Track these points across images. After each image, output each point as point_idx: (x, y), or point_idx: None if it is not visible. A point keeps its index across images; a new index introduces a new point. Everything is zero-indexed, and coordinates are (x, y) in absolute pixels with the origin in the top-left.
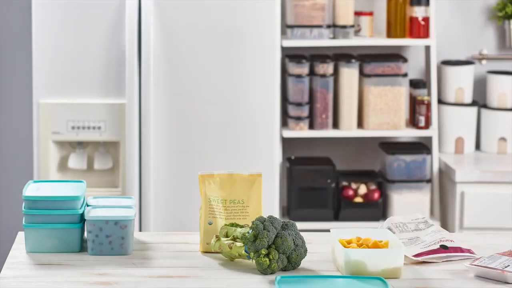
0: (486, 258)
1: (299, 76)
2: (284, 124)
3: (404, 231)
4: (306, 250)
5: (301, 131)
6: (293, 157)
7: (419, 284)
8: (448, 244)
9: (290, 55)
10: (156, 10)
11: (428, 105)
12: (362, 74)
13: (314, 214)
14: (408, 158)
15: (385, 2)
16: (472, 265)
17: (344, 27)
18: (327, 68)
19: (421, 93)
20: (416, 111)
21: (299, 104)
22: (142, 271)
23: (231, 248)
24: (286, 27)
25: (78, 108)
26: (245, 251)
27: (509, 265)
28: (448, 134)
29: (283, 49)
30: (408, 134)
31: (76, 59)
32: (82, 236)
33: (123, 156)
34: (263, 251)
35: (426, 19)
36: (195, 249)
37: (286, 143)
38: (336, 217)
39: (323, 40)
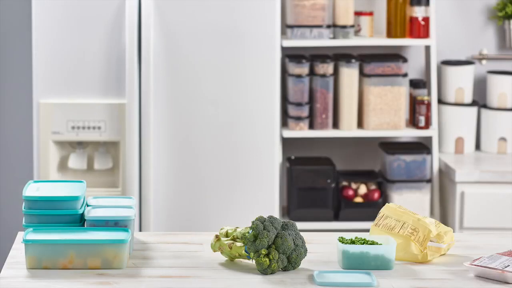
0: (486, 258)
1: (299, 76)
2: (284, 124)
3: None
4: (306, 250)
5: (301, 131)
6: (293, 157)
7: (419, 284)
8: None
9: (290, 55)
10: (156, 10)
11: (428, 105)
12: (362, 74)
13: (314, 214)
14: (408, 158)
15: (385, 2)
16: (472, 265)
17: (344, 27)
18: (327, 68)
19: (421, 93)
20: (416, 111)
21: (299, 104)
22: (142, 271)
23: (231, 248)
24: (286, 27)
25: (78, 108)
26: (245, 251)
27: (509, 265)
28: (448, 134)
29: (283, 49)
30: (408, 134)
31: (76, 59)
32: None
33: (123, 156)
34: (263, 251)
35: (426, 19)
36: (195, 249)
37: (286, 143)
38: (336, 217)
39: (323, 40)
